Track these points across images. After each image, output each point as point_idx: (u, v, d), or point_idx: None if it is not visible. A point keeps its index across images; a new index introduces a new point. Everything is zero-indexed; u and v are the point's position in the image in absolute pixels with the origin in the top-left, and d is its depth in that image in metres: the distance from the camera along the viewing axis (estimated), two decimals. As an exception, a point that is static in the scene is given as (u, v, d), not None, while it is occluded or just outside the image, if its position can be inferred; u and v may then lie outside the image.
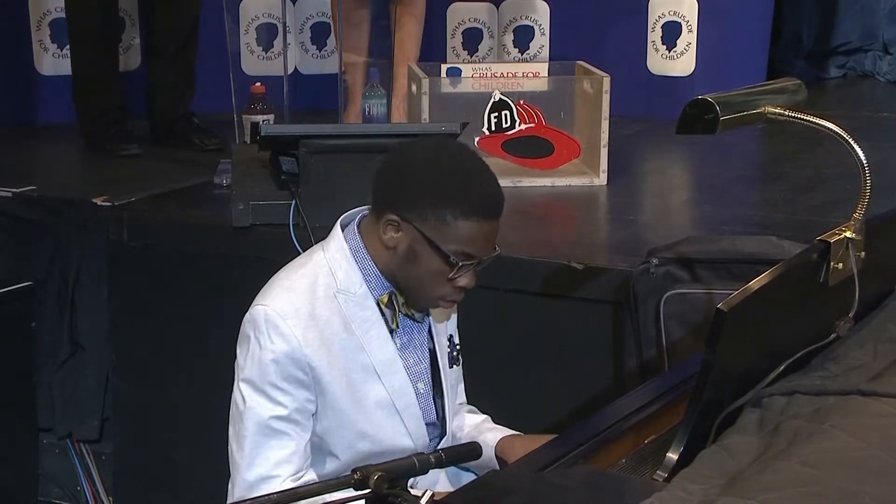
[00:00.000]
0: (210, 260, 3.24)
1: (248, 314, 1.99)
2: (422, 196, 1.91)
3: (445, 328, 2.13)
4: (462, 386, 2.25)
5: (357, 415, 2.00)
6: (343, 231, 2.03)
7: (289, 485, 1.91)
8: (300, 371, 1.95)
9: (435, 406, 2.09)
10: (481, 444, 2.06)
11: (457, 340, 2.16)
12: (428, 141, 2.09)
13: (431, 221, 1.91)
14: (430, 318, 2.09)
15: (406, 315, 2.04)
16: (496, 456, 2.10)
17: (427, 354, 2.09)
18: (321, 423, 2.00)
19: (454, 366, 2.13)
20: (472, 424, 2.20)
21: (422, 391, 2.07)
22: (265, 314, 1.95)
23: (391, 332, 2.02)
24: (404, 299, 2.02)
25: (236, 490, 1.97)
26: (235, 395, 1.99)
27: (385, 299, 2.00)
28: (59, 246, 3.43)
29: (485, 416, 2.24)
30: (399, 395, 2.02)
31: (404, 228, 1.93)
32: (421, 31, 4.05)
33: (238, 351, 2.00)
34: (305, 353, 1.94)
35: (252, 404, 1.95)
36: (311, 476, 1.98)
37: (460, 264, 1.92)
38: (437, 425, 2.10)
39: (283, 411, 1.95)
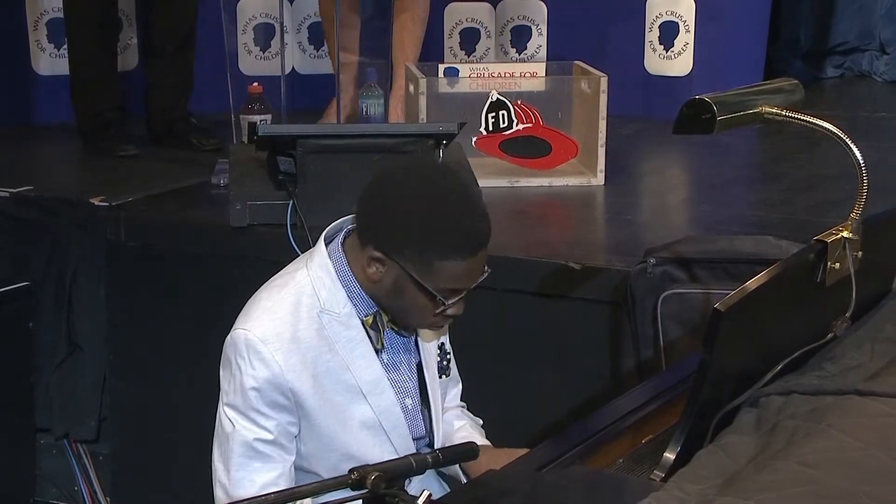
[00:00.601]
0: (207, 260, 3.24)
1: (229, 337, 1.96)
2: (406, 237, 1.87)
3: (430, 345, 2.10)
4: (457, 389, 2.24)
5: (342, 436, 1.98)
6: (327, 247, 1.99)
7: None
8: (282, 396, 1.93)
9: (423, 419, 2.07)
10: None
11: (448, 348, 2.13)
12: (413, 168, 2.03)
13: (417, 263, 1.87)
14: (418, 332, 2.06)
15: (393, 330, 2.01)
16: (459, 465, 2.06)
17: (415, 369, 2.06)
18: (305, 446, 1.98)
19: (443, 376, 2.11)
20: (454, 429, 2.18)
21: (409, 407, 2.04)
22: (246, 339, 1.92)
23: (377, 351, 1.99)
24: (389, 319, 1.99)
25: None
26: (220, 416, 1.98)
27: (370, 320, 1.97)
28: (56, 246, 3.42)
29: (463, 423, 2.20)
30: (386, 415, 1.99)
31: (389, 265, 1.90)
32: (422, 33, 4.05)
33: (221, 373, 1.99)
34: (287, 378, 1.92)
35: (238, 427, 1.94)
36: None
37: (447, 302, 1.90)
38: (426, 438, 2.09)
39: (268, 435, 1.93)
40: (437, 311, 1.92)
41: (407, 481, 1.74)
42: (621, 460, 1.72)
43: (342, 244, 1.98)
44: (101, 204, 3.38)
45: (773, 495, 1.35)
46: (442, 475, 2.13)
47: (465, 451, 1.65)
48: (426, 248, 1.86)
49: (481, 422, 2.26)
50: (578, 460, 1.68)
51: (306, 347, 1.94)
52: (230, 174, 3.28)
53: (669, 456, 1.56)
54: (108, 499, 3.50)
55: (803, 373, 1.71)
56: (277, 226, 3.03)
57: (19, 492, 3.51)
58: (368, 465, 1.47)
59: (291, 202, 3.00)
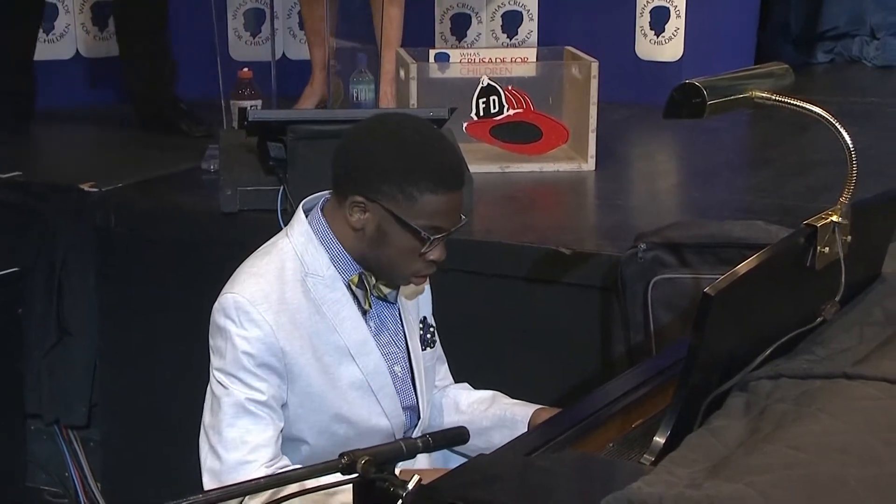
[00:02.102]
0: (198, 246, 3.23)
1: (217, 303, 1.98)
2: (386, 175, 1.92)
3: (417, 310, 2.13)
4: (445, 367, 2.26)
5: (332, 397, 2.00)
6: (307, 216, 2.02)
7: (264, 471, 1.91)
8: (273, 357, 1.94)
9: (414, 390, 2.09)
10: (510, 420, 2.07)
11: (431, 322, 2.16)
12: (382, 117, 2.08)
13: (399, 199, 1.91)
14: (400, 301, 2.09)
15: (378, 297, 2.04)
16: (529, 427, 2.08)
17: (402, 338, 2.09)
18: (294, 410, 1.99)
19: (427, 348, 2.13)
20: (486, 401, 2.19)
21: (398, 374, 2.07)
22: (235, 301, 1.94)
23: (364, 313, 2.02)
24: (375, 279, 2.02)
25: (209, 476, 1.95)
26: (211, 383, 1.99)
27: (355, 279, 2.00)
28: (46, 232, 3.42)
29: (494, 392, 2.23)
30: (373, 375, 2.02)
31: (371, 209, 1.94)
32: (402, 15, 4.03)
33: (210, 341, 2.00)
34: (278, 338, 1.94)
35: (229, 390, 1.95)
36: (285, 462, 1.98)
37: (431, 238, 1.93)
38: (416, 407, 2.10)
39: (260, 396, 1.94)
40: (421, 252, 1.94)
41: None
42: (611, 444, 1.72)
43: (321, 210, 2.02)
44: (91, 190, 3.37)
45: (762, 478, 1.35)
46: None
47: (455, 436, 1.66)
48: (406, 184, 1.90)
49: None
50: (569, 445, 1.68)
51: (294, 308, 1.96)
52: (220, 160, 3.28)
53: (659, 440, 1.57)
54: (98, 485, 3.50)
55: (792, 357, 1.72)
56: (268, 211, 3.03)
57: (9, 478, 3.51)
58: (359, 450, 1.47)
59: (282, 188, 2.99)
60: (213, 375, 1.98)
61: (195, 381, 2.14)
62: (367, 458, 1.46)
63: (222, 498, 1.57)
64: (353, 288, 2.01)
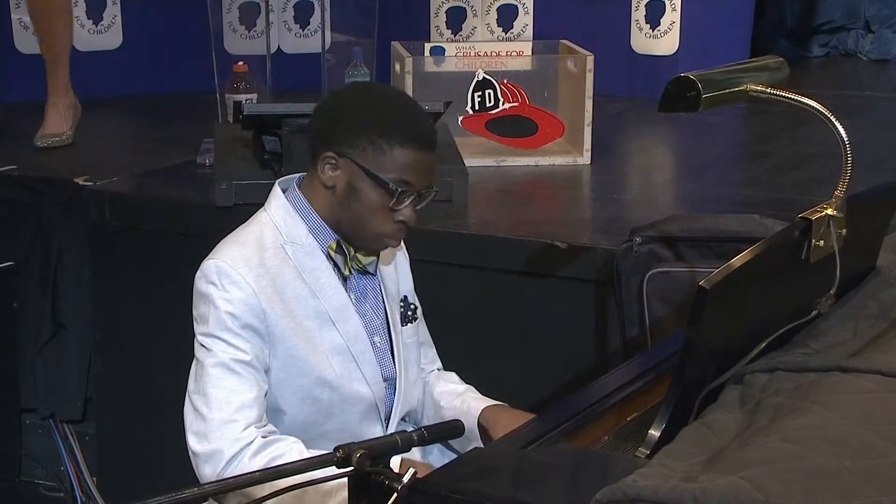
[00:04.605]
0: (193, 240, 3.22)
1: (198, 271, 2.01)
2: (357, 129, 1.96)
3: (398, 287, 2.15)
4: (433, 352, 2.27)
5: (314, 360, 2.01)
6: (284, 193, 2.06)
7: (250, 433, 1.92)
8: (255, 319, 1.96)
9: (393, 362, 2.11)
10: (465, 412, 2.09)
11: (413, 301, 2.17)
12: (360, 83, 2.15)
13: (369, 152, 1.96)
14: (380, 274, 2.11)
15: (357, 270, 2.06)
16: (479, 424, 2.10)
17: (382, 310, 2.11)
18: (276, 375, 2.00)
19: (408, 324, 2.14)
20: (456, 393, 2.21)
21: (378, 344, 2.08)
22: (216, 266, 1.98)
23: (344, 279, 2.05)
24: (352, 247, 2.04)
25: (195, 438, 1.95)
26: (196, 350, 1.99)
27: (333, 245, 2.03)
28: (40, 226, 3.41)
29: (468, 386, 2.24)
30: (353, 340, 2.04)
31: (342, 165, 1.97)
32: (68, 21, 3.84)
33: (194, 311, 2.02)
34: (260, 299, 1.96)
35: (213, 351, 1.96)
36: (270, 428, 1.98)
37: (399, 190, 1.95)
38: (394, 380, 2.11)
39: (244, 356, 1.95)
40: (391, 207, 1.96)
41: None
42: (607, 438, 1.72)
43: (297, 184, 2.06)
44: (85, 183, 3.37)
45: (757, 471, 1.35)
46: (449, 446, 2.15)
47: (451, 429, 1.66)
48: (377, 136, 1.95)
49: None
50: (564, 438, 1.68)
51: (275, 273, 1.99)
52: (215, 154, 3.27)
53: (654, 433, 1.57)
54: (94, 479, 3.50)
55: (788, 350, 1.72)
56: (263, 205, 3.02)
57: (4, 472, 3.51)
58: (353, 443, 1.47)
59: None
60: (197, 341, 1.99)
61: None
62: (362, 451, 1.46)
63: (219, 491, 1.57)
64: (333, 255, 2.03)
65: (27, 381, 3.48)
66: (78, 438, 3.51)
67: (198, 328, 2.00)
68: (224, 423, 1.93)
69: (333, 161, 1.98)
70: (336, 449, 1.46)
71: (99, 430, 3.48)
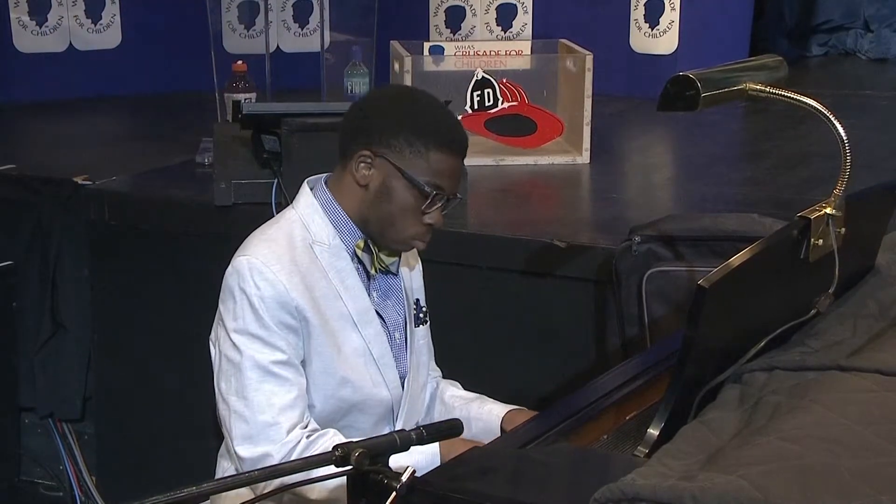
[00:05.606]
0: (192, 239, 3.23)
1: (229, 267, 2.00)
2: (395, 129, 1.97)
3: (412, 290, 2.16)
4: (433, 360, 2.26)
5: (339, 360, 2.02)
6: (311, 190, 2.07)
7: (296, 434, 1.93)
8: (289, 315, 1.96)
9: (407, 360, 2.12)
10: (484, 416, 2.11)
11: (423, 304, 2.18)
12: (397, 85, 2.13)
13: (406, 153, 1.96)
14: (401, 274, 2.12)
15: (381, 270, 2.07)
16: (501, 428, 2.11)
17: (403, 308, 2.12)
18: (306, 369, 2.00)
19: (420, 325, 2.16)
20: (468, 398, 2.22)
21: (397, 340, 2.10)
22: (249, 263, 1.97)
23: (369, 279, 2.06)
24: (376, 247, 2.04)
25: (243, 443, 1.94)
26: (226, 349, 1.98)
27: (361, 244, 2.03)
28: (40, 225, 3.41)
29: (478, 394, 2.24)
30: (374, 343, 2.05)
31: (377, 164, 1.98)
32: None
33: (222, 307, 2.00)
34: (292, 296, 1.96)
35: (249, 352, 1.95)
36: (313, 426, 1.98)
37: (434, 193, 1.96)
38: (405, 378, 2.12)
39: (281, 356, 1.96)
40: (423, 209, 1.97)
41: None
42: (606, 437, 1.73)
43: (325, 183, 2.07)
44: (84, 183, 3.37)
45: (756, 470, 1.36)
46: None
47: (449, 428, 1.65)
48: (416, 139, 1.96)
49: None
50: (563, 437, 1.68)
51: (304, 271, 1.99)
52: (214, 153, 3.27)
53: (653, 432, 1.57)
54: (93, 478, 3.50)
55: (786, 349, 1.72)
56: (262, 205, 3.02)
57: (4, 471, 3.51)
58: (352, 442, 1.47)
59: (276, 181, 2.99)
60: (230, 338, 1.97)
61: (189, 374, 2.14)
62: (361, 450, 1.46)
63: (218, 490, 1.57)
64: (360, 254, 2.04)
65: (26, 381, 3.48)
66: (77, 438, 3.51)
67: (228, 324, 1.98)
68: (268, 425, 1.94)
69: (369, 160, 1.98)
70: (335, 448, 1.46)
71: (98, 429, 3.48)
